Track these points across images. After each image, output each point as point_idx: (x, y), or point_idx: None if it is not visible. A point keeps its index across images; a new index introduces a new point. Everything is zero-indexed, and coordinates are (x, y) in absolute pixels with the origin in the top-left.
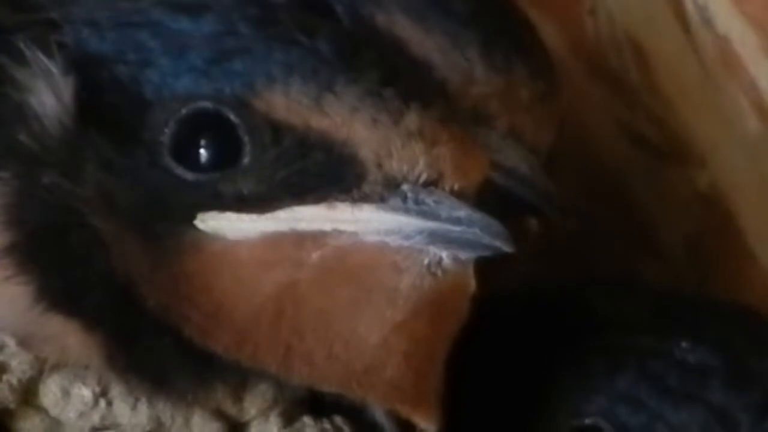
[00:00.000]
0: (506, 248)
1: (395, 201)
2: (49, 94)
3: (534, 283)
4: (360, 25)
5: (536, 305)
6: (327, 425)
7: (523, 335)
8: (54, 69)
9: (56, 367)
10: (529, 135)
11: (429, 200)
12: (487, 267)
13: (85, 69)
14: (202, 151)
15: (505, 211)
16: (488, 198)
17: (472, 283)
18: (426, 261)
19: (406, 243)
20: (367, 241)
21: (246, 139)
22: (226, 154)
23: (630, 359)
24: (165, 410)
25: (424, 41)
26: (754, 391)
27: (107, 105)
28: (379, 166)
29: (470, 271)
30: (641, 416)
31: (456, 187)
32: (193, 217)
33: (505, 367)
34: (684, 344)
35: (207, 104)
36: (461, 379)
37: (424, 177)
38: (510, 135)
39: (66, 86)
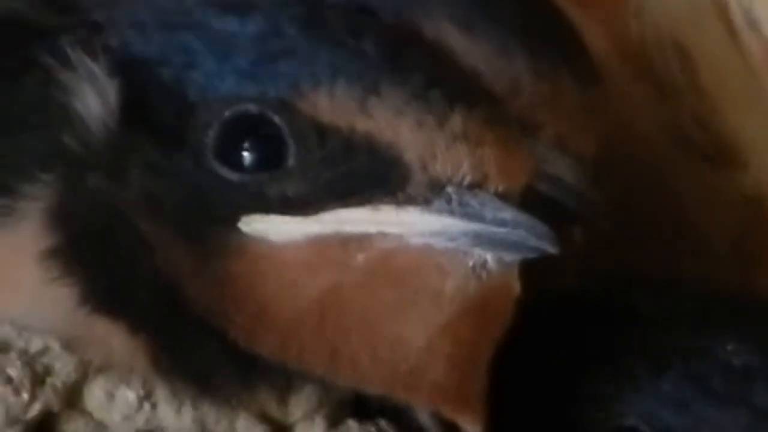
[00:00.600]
0: (552, 250)
1: (440, 203)
2: (94, 97)
3: (578, 284)
4: (407, 32)
5: (581, 306)
6: (372, 428)
7: (567, 336)
8: (99, 72)
9: (101, 370)
10: (575, 144)
11: (474, 202)
12: (531, 272)
13: (130, 71)
14: (246, 153)
15: (550, 220)
16: (534, 207)
17: (516, 286)
18: (471, 263)
19: (450, 245)
20: (412, 243)
21: (290, 141)
22: (271, 156)
23: (674, 361)
24: (209, 413)
25: (471, 50)
26: None
27: (152, 107)
28: (424, 168)
29: (515, 273)
30: (685, 418)
31: (500, 188)
32: (238, 220)
33: (549, 369)
34: (729, 346)
35: (251, 107)
36: (505, 381)
37: (468, 179)
38: (556, 144)
39: (111, 89)
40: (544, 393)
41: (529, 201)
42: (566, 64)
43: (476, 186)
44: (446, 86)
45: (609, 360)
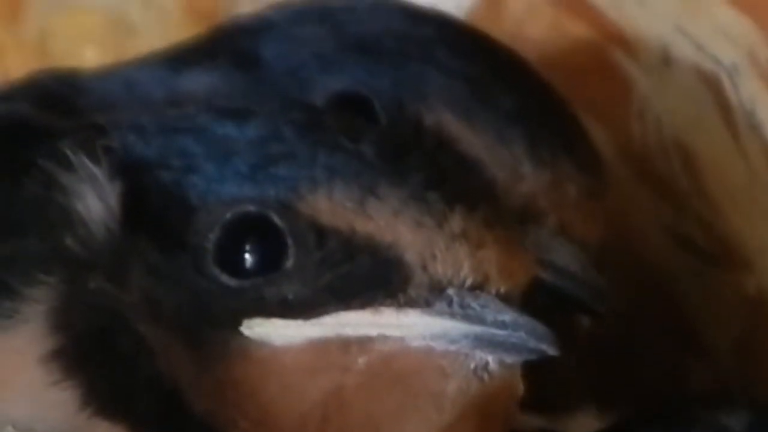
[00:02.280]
0: (551, 351)
1: (441, 305)
2: (95, 199)
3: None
4: (407, 124)
5: (635, 425)
6: None
7: None
8: (100, 174)
9: None
10: (579, 231)
11: (474, 304)
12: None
13: (131, 174)
14: (246, 255)
15: (556, 309)
16: (539, 297)
17: (519, 386)
18: (472, 365)
19: (452, 347)
20: (413, 345)
21: (290, 242)
22: (270, 258)
23: None
24: None
25: (471, 138)
26: None
27: (153, 210)
28: (425, 268)
29: (517, 374)
30: None
31: (501, 289)
32: (239, 323)
33: None
34: None
35: (251, 207)
36: None
37: (469, 280)
38: (560, 232)
39: (112, 191)
40: None
41: (534, 291)
42: (567, 150)
43: (477, 287)
44: (445, 187)
45: None
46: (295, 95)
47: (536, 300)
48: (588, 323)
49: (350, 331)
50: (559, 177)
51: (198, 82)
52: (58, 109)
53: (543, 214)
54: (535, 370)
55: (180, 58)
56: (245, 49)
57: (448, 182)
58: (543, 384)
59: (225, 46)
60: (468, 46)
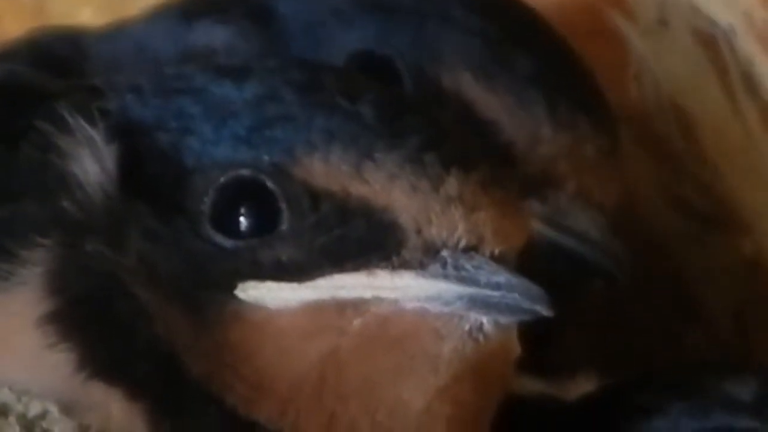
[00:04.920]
0: (546, 313)
1: (435, 267)
2: (92, 162)
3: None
4: (425, 86)
5: (641, 386)
6: None
7: (621, 412)
8: (97, 137)
9: None
10: (597, 194)
11: (469, 266)
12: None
13: (128, 136)
14: (240, 218)
15: (575, 274)
16: (557, 262)
17: (515, 348)
18: (467, 326)
19: (446, 309)
20: (408, 308)
21: (284, 205)
22: (264, 222)
23: None
24: None
25: (490, 101)
26: None
27: (149, 173)
28: (419, 232)
29: (513, 335)
30: None
31: (496, 251)
32: (234, 287)
33: None
34: None
35: (245, 172)
36: None
37: (463, 242)
38: (579, 195)
39: (109, 154)
40: None
41: (556, 257)
42: (586, 111)
43: (471, 249)
44: (442, 149)
45: None
46: (312, 53)
47: (544, 263)
48: (598, 287)
49: (345, 294)
50: (579, 139)
51: (211, 36)
52: (56, 70)
53: (562, 177)
54: (533, 333)
55: (189, 11)
56: (260, 1)
57: (445, 144)
58: (542, 348)
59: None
60: (486, 6)
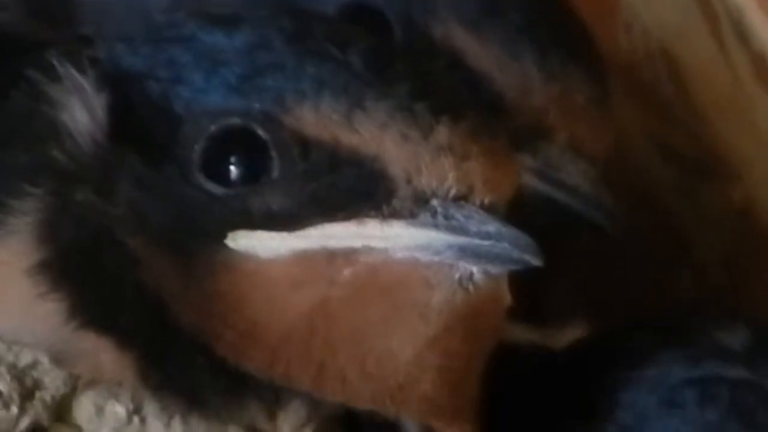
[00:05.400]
0: (535, 262)
1: (425, 216)
2: (82, 111)
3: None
4: (415, 37)
5: (630, 333)
6: None
7: (611, 359)
8: (87, 85)
9: (90, 384)
10: (588, 145)
11: (458, 215)
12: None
13: (118, 85)
14: (231, 166)
15: (566, 226)
16: (547, 214)
17: (506, 297)
18: (457, 276)
19: (436, 258)
20: (398, 257)
21: (274, 154)
22: (255, 169)
23: (722, 392)
24: (199, 428)
25: (480, 52)
26: None
27: (139, 121)
28: (409, 181)
29: (503, 285)
30: None
31: (486, 201)
32: (225, 236)
33: (580, 390)
34: None
35: (235, 120)
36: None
37: (453, 192)
38: (570, 147)
39: (99, 102)
40: (569, 413)
41: (547, 210)
42: (576, 63)
43: (461, 198)
44: (432, 98)
45: (659, 387)
46: (303, 3)
47: (535, 215)
48: (589, 239)
49: (335, 243)
50: (569, 90)
51: None
52: (45, 19)
53: (553, 129)
54: (524, 282)
55: None
56: None
57: (435, 92)
58: (532, 296)
59: None
60: None
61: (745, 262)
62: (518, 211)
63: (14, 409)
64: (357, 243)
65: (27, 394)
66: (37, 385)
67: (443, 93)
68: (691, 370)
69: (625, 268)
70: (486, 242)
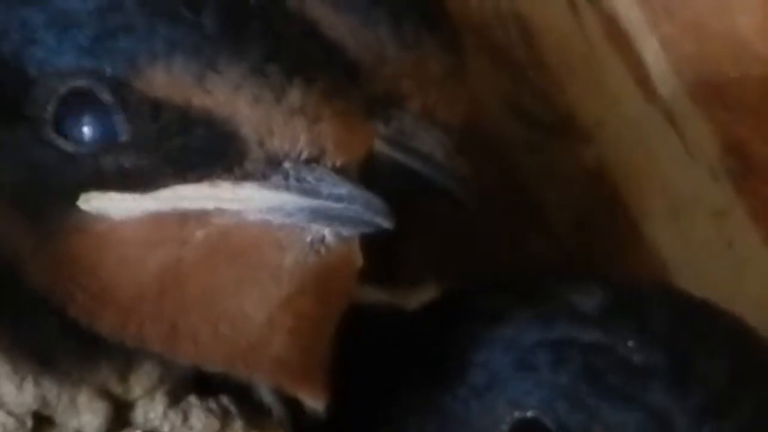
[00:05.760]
0: (387, 225)
1: (277, 179)
2: None
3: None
4: (270, 4)
5: (484, 294)
6: (213, 404)
7: (464, 319)
8: None
9: None
10: (442, 114)
11: (310, 177)
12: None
13: None
14: (83, 127)
15: (420, 195)
16: (401, 182)
17: (358, 260)
18: (309, 238)
19: (288, 220)
20: (250, 219)
21: (122, 115)
22: (105, 131)
23: (574, 355)
24: (51, 389)
25: (335, 21)
26: (695, 394)
27: None
28: (261, 143)
29: (355, 247)
30: (579, 414)
31: (338, 163)
32: (77, 197)
33: (432, 350)
34: (630, 342)
35: (82, 82)
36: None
37: (305, 154)
38: (423, 115)
39: None
40: (425, 373)
41: (400, 177)
42: (430, 32)
43: (313, 161)
44: (285, 61)
45: (513, 349)
46: None
47: (389, 183)
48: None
49: (187, 205)
50: (423, 58)
51: None
52: None
53: (407, 97)
54: (376, 244)
55: None
56: None
57: (288, 54)
58: (385, 258)
59: None
60: None
61: (597, 221)
62: (371, 177)
63: None
64: (209, 205)
65: None
66: None
67: (297, 56)
68: (545, 332)
69: (477, 230)
70: (338, 204)
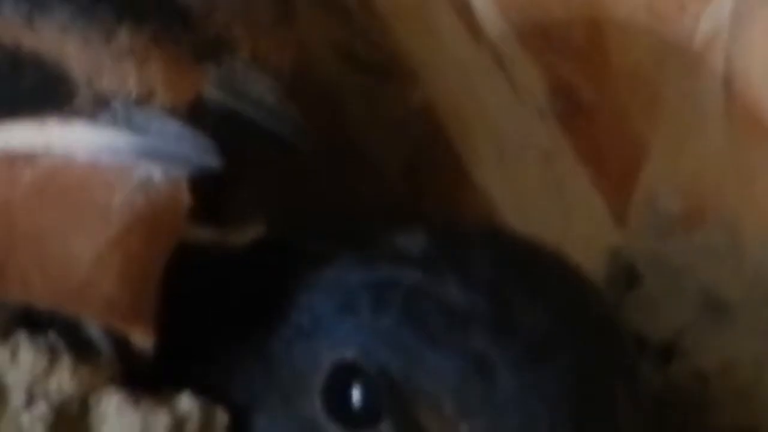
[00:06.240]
0: (215, 164)
1: (106, 118)
2: None
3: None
4: None
5: (309, 236)
6: (41, 341)
7: (289, 261)
8: None
9: None
10: (273, 58)
11: (139, 117)
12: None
13: None
14: None
15: (250, 140)
16: (232, 127)
17: (186, 199)
18: (137, 177)
19: (117, 160)
20: (78, 159)
21: None
22: None
23: (395, 297)
24: None
25: None
26: (516, 339)
27: None
28: (90, 84)
29: (183, 186)
30: (400, 358)
31: (167, 103)
32: None
33: (258, 291)
34: (452, 285)
35: None
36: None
37: (134, 94)
38: (254, 60)
39: None
40: (248, 314)
41: (230, 123)
42: None
43: (143, 101)
44: (114, 2)
45: (335, 291)
46: None
47: (219, 126)
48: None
49: (16, 145)
50: (254, 4)
51: None
52: None
53: (237, 42)
54: (205, 183)
55: None
56: None
57: None
58: (213, 197)
59: None
60: None
61: (424, 166)
62: (201, 121)
63: None
64: (38, 145)
65: None
66: None
67: None
68: (367, 274)
69: (306, 172)
70: (167, 144)
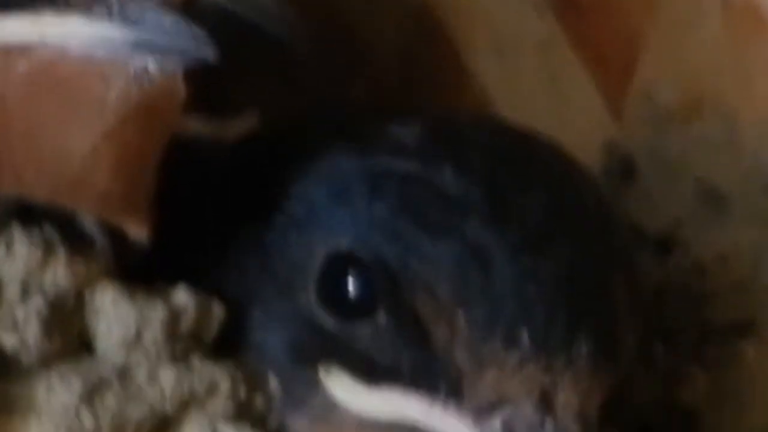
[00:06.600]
0: (210, 57)
1: (100, 10)
2: None
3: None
4: None
5: (303, 126)
6: (36, 234)
7: (283, 150)
8: None
9: None
10: None
11: (134, 10)
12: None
13: None
14: None
15: (247, 40)
16: (230, 28)
17: (181, 91)
18: (132, 70)
19: (111, 53)
20: (73, 52)
21: None
22: None
23: (390, 186)
24: None
25: None
26: (511, 228)
27: None
28: None
29: (178, 79)
30: (396, 247)
31: None
32: None
33: (252, 181)
34: (447, 174)
35: None
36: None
37: None
38: None
39: None
40: (242, 207)
41: (223, 22)
42: None
43: None
44: None
45: (328, 181)
46: None
47: (216, 26)
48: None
49: (10, 38)
50: None
51: None
52: None
53: None
54: (200, 75)
55: None
56: None
57: None
58: (207, 89)
59: None
60: None
61: (421, 58)
62: (198, 21)
63: None
64: (33, 38)
65: None
66: None
67: None
68: (362, 163)
69: (301, 68)
70: (161, 36)
